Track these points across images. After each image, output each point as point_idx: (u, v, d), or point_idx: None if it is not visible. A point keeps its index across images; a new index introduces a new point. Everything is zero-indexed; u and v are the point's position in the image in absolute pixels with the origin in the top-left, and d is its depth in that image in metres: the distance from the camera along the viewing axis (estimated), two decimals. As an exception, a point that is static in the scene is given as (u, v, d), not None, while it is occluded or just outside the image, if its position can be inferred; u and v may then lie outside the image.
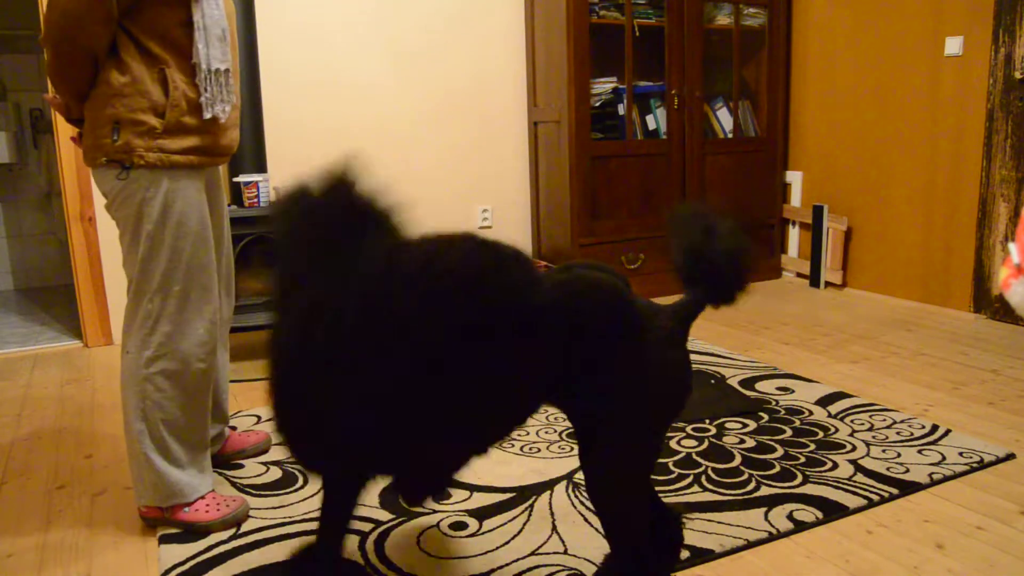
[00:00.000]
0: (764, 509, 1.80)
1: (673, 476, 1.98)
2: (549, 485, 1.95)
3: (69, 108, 1.70)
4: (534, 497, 1.89)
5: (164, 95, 1.66)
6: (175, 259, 1.71)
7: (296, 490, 1.96)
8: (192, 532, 1.76)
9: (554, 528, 1.74)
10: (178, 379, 1.74)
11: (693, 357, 2.95)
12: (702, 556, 1.62)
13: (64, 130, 3.21)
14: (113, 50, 1.62)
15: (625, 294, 1.29)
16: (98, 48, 1.59)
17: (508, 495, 1.91)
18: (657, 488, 1.92)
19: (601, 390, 1.28)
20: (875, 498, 1.84)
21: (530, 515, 1.81)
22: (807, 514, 1.77)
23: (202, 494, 1.80)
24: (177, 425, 1.76)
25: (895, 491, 1.87)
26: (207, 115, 1.71)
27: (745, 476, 1.97)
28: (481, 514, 1.82)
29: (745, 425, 2.30)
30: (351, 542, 1.70)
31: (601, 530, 1.72)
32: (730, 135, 4.16)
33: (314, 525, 1.78)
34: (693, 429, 2.28)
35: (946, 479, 1.94)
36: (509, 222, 4.14)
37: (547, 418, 2.40)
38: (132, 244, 1.71)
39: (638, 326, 1.28)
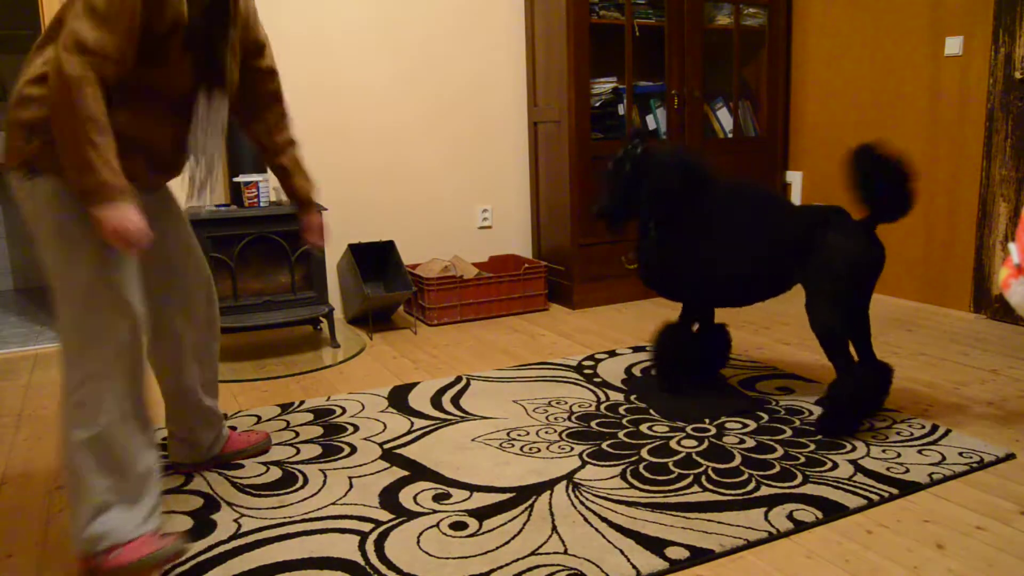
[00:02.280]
0: (764, 509, 1.80)
1: (673, 476, 1.98)
2: (549, 485, 1.95)
3: None
4: (534, 497, 1.89)
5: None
6: (75, 272, 1.57)
7: (296, 490, 1.96)
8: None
9: (554, 528, 1.74)
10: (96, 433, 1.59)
11: (693, 357, 2.96)
12: (702, 556, 1.62)
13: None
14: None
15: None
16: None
17: (508, 495, 1.91)
18: (657, 488, 1.92)
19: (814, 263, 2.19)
20: (875, 498, 1.84)
21: (530, 515, 1.81)
22: (807, 514, 1.77)
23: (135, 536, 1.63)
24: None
25: (895, 491, 1.87)
26: (194, 201, 1.78)
27: (745, 476, 1.97)
28: (481, 514, 1.82)
29: (745, 425, 2.30)
30: (350, 543, 1.71)
31: (600, 529, 1.73)
32: (730, 135, 4.16)
33: (314, 524, 1.79)
34: (693, 429, 2.28)
35: (946, 479, 1.94)
36: (509, 222, 4.14)
37: (547, 418, 2.40)
38: (47, 253, 1.60)
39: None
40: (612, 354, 3.03)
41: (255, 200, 3.09)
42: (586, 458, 2.10)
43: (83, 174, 1.47)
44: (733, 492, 1.89)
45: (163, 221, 1.88)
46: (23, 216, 1.63)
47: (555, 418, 2.40)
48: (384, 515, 1.83)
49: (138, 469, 1.64)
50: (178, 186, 2.03)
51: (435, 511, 1.84)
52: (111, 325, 1.59)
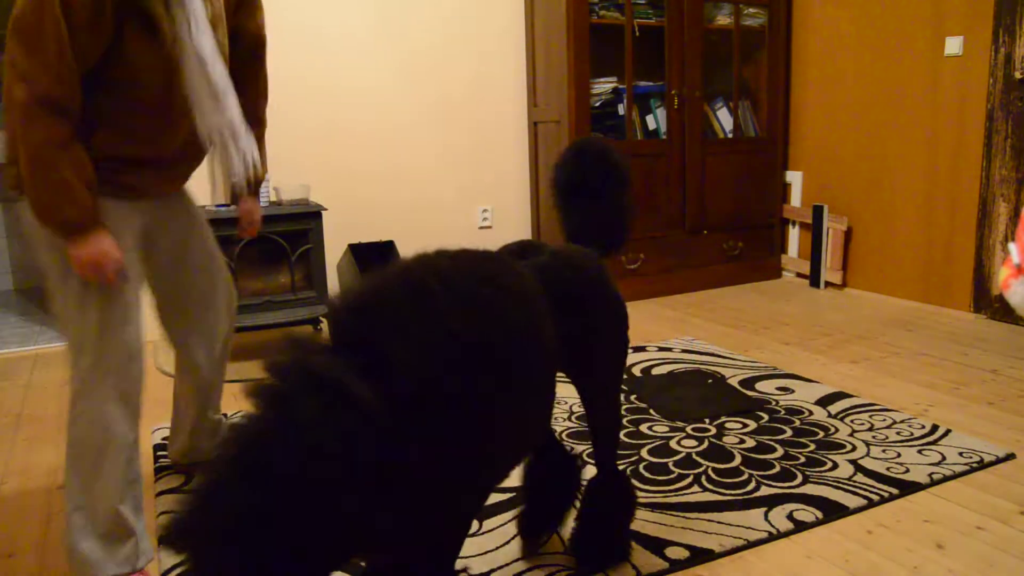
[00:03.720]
0: (764, 509, 1.80)
1: (673, 476, 1.98)
2: (549, 485, 1.95)
3: None
4: (534, 497, 1.89)
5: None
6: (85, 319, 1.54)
7: (296, 490, 1.96)
8: None
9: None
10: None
11: (694, 357, 2.95)
12: (702, 556, 1.62)
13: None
14: None
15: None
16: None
17: (508, 495, 1.91)
18: (657, 488, 1.92)
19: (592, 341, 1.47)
20: (875, 498, 1.84)
21: (530, 515, 1.80)
22: (807, 514, 1.77)
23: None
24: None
25: (895, 491, 1.87)
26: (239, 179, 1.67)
27: (745, 476, 1.97)
28: (481, 514, 1.82)
29: (745, 425, 2.30)
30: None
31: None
32: (730, 135, 4.16)
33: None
34: (693, 429, 2.28)
35: (946, 479, 1.94)
36: (509, 222, 4.14)
37: (547, 418, 2.39)
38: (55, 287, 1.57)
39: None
40: (612, 354, 3.03)
41: (255, 200, 3.08)
42: (586, 458, 2.10)
43: (44, 212, 1.42)
44: (733, 492, 1.89)
45: (181, 227, 1.79)
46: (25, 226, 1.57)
47: (555, 418, 2.40)
48: (384, 515, 1.82)
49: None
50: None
51: (435, 511, 1.84)
52: (122, 366, 1.56)
